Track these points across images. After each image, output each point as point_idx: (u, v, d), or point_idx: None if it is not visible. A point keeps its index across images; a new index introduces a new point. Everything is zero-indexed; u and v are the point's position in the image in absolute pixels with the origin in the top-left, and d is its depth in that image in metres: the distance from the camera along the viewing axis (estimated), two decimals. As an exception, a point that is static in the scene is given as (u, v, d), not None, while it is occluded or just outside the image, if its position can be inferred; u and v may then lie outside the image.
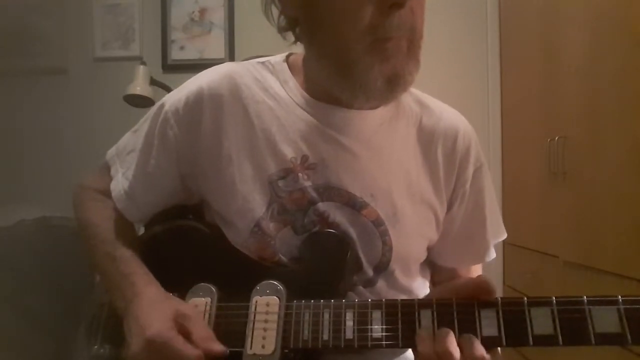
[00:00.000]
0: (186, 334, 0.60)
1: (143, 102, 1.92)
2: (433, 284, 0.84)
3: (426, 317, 0.56)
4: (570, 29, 1.59)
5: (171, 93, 0.77)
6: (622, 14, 1.29)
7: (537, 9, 1.88)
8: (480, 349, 0.51)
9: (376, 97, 0.68)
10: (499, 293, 0.57)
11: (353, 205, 0.71)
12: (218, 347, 0.60)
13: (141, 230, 0.82)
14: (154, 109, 0.77)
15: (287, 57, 0.79)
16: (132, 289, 0.67)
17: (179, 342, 0.58)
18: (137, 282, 0.68)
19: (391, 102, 0.74)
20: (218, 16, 2.36)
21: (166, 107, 0.74)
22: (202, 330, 0.61)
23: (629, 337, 0.49)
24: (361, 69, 0.64)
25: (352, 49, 0.64)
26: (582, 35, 1.51)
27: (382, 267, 0.72)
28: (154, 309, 0.63)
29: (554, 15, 1.72)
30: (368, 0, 0.62)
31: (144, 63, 2.00)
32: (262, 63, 0.78)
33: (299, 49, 0.77)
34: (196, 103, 0.72)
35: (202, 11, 2.37)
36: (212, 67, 0.77)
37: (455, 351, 0.51)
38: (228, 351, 0.61)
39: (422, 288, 0.80)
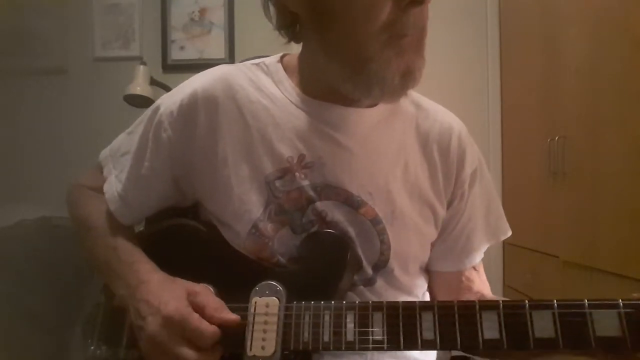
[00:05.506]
0: (199, 310, 0.61)
1: (143, 102, 1.92)
2: (430, 292, 0.82)
3: (427, 320, 0.56)
4: (570, 29, 1.59)
5: (166, 95, 0.77)
6: (622, 14, 1.29)
7: (537, 9, 1.88)
8: None
9: (391, 92, 0.67)
10: (498, 293, 0.56)
11: (351, 203, 0.70)
12: (231, 316, 0.61)
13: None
14: (148, 111, 0.77)
15: (282, 57, 0.79)
16: (137, 275, 0.67)
17: (196, 319, 0.59)
18: (141, 269, 0.68)
19: (399, 99, 0.73)
20: (218, 16, 2.36)
21: (161, 110, 0.74)
22: (214, 303, 0.62)
23: (628, 341, 0.48)
24: (379, 64, 0.64)
25: (369, 45, 0.63)
26: (582, 35, 1.51)
27: (381, 265, 0.72)
28: (164, 289, 0.64)
29: (554, 15, 1.72)
30: None
31: (144, 63, 2.00)
32: (256, 64, 0.78)
33: (295, 48, 0.76)
34: (190, 105, 0.72)
35: (202, 11, 2.37)
36: (206, 70, 0.77)
37: None
38: (239, 318, 0.61)
39: (422, 287, 0.79)
